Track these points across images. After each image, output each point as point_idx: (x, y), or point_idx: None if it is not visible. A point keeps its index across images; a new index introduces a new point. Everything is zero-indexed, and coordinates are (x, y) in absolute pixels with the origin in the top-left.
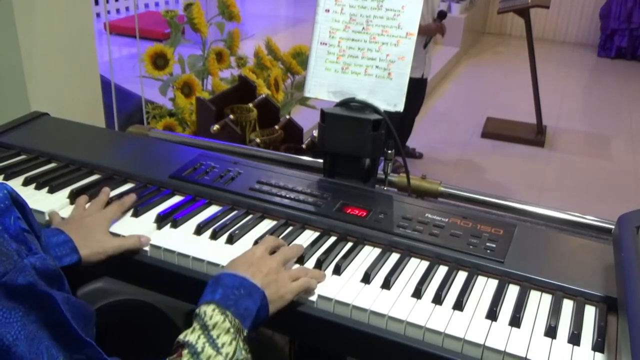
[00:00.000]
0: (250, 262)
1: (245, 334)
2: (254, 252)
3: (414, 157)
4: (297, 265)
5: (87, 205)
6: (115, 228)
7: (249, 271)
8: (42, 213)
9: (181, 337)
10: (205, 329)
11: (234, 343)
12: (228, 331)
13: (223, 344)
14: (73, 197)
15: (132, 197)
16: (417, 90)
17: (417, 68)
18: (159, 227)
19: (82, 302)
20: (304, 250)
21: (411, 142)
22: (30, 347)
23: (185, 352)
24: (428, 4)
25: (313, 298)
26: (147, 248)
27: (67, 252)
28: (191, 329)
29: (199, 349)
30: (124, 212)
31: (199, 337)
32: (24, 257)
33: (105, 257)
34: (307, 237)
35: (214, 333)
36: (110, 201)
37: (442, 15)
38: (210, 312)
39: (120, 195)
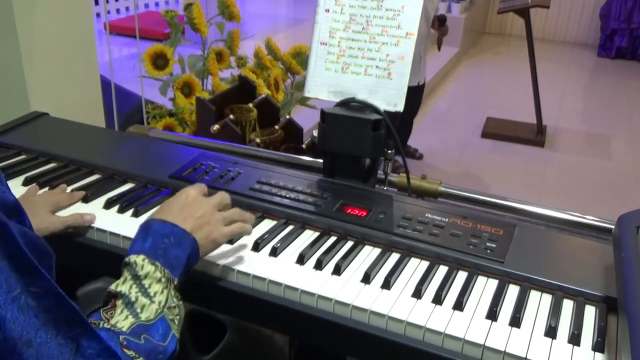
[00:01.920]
0: (183, 204)
1: (175, 282)
2: (187, 193)
3: (415, 158)
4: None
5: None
6: (115, 228)
7: (181, 215)
8: None
9: (112, 287)
10: (137, 278)
11: (165, 292)
12: (159, 280)
13: (155, 293)
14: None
15: (82, 192)
16: (415, 95)
17: (413, 75)
18: None
19: (41, 240)
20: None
21: (411, 142)
22: None
23: (119, 302)
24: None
25: (313, 298)
26: None
27: None
28: (122, 279)
29: (133, 298)
30: (72, 203)
31: (131, 286)
32: None
33: (48, 233)
34: (307, 237)
35: (146, 282)
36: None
37: (442, 20)
38: (140, 262)
39: (120, 196)
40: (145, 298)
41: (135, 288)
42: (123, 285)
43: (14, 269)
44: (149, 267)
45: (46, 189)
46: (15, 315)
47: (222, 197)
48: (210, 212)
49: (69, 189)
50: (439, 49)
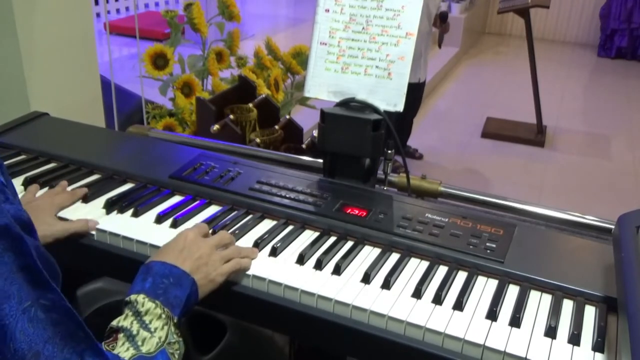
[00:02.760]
0: (182, 247)
1: (175, 320)
2: (186, 236)
3: (414, 158)
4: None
5: (38, 193)
6: (115, 228)
7: (180, 257)
8: None
9: (114, 323)
10: (138, 315)
11: (165, 328)
12: (160, 317)
13: (156, 328)
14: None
15: (84, 190)
16: (415, 93)
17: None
18: (159, 227)
19: (49, 255)
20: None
21: (411, 142)
22: (4, 286)
23: (120, 335)
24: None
25: (313, 298)
26: (147, 249)
27: None
28: (123, 316)
29: (134, 332)
30: (74, 202)
31: (132, 322)
32: (2, 203)
33: (52, 240)
34: (307, 237)
35: (147, 318)
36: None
37: (444, 16)
38: (141, 300)
39: (121, 196)
40: (146, 332)
41: (136, 324)
42: (124, 321)
43: (27, 280)
44: (149, 304)
45: (46, 188)
46: (25, 327)
47: (222, 236)
48: (209, 253)
49: (68, 188)
50: (440, 46)
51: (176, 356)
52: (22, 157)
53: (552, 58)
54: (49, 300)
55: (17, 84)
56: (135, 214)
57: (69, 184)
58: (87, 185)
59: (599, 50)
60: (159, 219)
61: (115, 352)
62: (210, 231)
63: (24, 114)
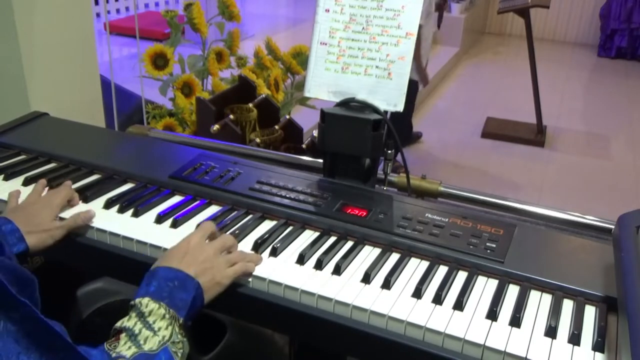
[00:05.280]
0: (185, 251)
1: (181, 321)
2: (189, 240)
3: (417, 139)
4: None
5: (44, 193)
6: (115, 228)
7: (184, 261)
8: None
9: (118, 324)
10: (141, 315)
11: (169, 328)
12: (164, 317)
13: (160, 328)
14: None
15: (92, 215)
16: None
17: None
18: (159, 227)
19: (19, 267)
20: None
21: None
22: None
23: (123, 335)
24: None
25: (313, 298)
26: (147, 249)
27: (14, 242)
28: (127, 317)
29: (137, 331)
30: (72, 197)
31: (135, 322)
32: None
33: (53, 242)
34: (307, 237)
35: (150, 319)
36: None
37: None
38: (145, 302)
39: (120, 195)
40: (149, 331)
41: (140, 324)
42: (128, 322)
43: None
44: (153, 305)
45: (44, 182)
46: None
47: (225, 240)
48: (213, 256)
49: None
50: (439, 27)
51: (179, 355)
52: (22, 157)
53: (552, 58)
54: (19, 313)
55: (17, 84)
56: (135, 214)
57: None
58: (87, 186)
59: (599, 50)
60: (159, 219)
61: (117, 350)
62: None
63: (24, 114)
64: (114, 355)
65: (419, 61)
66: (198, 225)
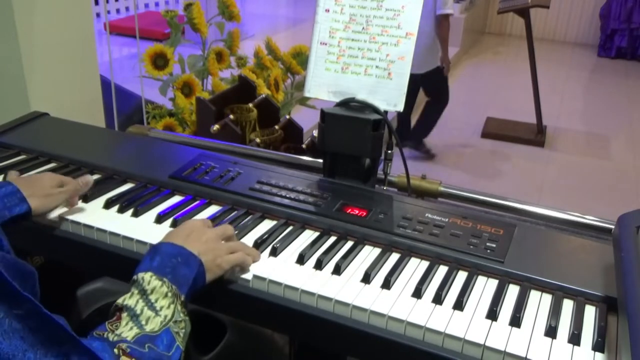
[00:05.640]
0: (190, 231)
1: (182, 299)
2: (193, 222)
3: (428, 156)
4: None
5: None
6: (115, 228)
7: (188, 240)
8: None
9: (119, 301)
10: (143, 293)
11: (172, 307)
12: (166, 295)
13: (161, 307)
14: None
15: (89, 180)
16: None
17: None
18: (159, 227)
19: (19, 260)
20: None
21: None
22: None
23: (124, 314)
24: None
25: (313, 298)
26: (147, 249)
27: (16, 202)
28: (129, 294)
29: (138, 311)
30: (78, 191)
31: (137, 301)
32: None
33: (55, 206)
34: (307, 237)
35: (152, 297)
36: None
37: None
38: (147, 277)
39: (120, 195)
40: (151, 311)
41: (141, 302)
42: (130, 300)
43: None
44: (155, 282)
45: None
46: (0, 340)
47: (226, 228)
48: (215, 239)
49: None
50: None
51: (181, 335)
52: (22, 157)
53: (552, 58)
54: (23, 310)
55: (17, 84)
56: (135, 214)
57: None
58: None
59: (599, 50)
60: (159, 219)
61: (118, 332)
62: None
63: (24, 114)
64: (115, 339)
65: (447, 49)
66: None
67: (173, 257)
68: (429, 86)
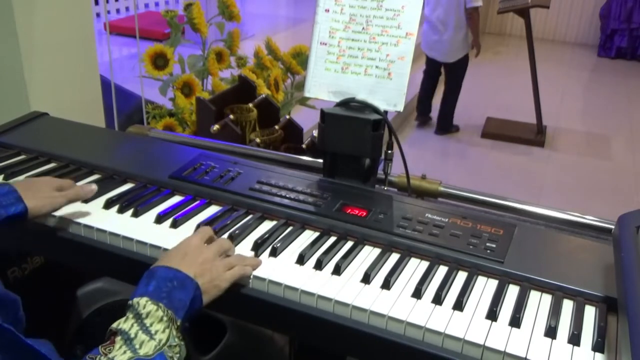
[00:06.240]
0: (185, 252)
1: (178, 323)
2: (189, 242)
3: (456, 130)
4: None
5: None
6: (115, 228)
7: (184, 262)
8: None
9: (114, 325)
10: (138, 317)
11: (167, 331)
12: (161, 319)
13: (156, 331)
14: None
15: (92, 188)
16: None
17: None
18: (159, 227)
19: (2, 290)
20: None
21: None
22: None
23: (118, 338)
24: None
25: (313, 298)
26: (147, 249)
27: (12, 202)
28: (124, 318)
29: (132, 335)
30: (79, 197)
31: (132, 325)
32: None
33: (51, 208)
34: (307, 237)
35: (147, 321)
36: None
37: None
38: (143, 302)
39: (120, 195)
40: (145, 335)
41: (136, 326)
42: (124, 324)
43: None
44: (151, 307)
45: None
46: None
47: (222, 243)
48: (212, 259)
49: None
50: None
51: (175, 359)
52: (22, 157)
53: (552, 58)
54: (4, 339)
55: (17, 84)
56: (135, 214)
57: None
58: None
59: (599, 50)
60: (159, 219)
61: (111, 355)
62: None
63: (24, 114)
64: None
65: (478, 35)
66: (196, 229)
67: (169, 281)
68: (452, 73)
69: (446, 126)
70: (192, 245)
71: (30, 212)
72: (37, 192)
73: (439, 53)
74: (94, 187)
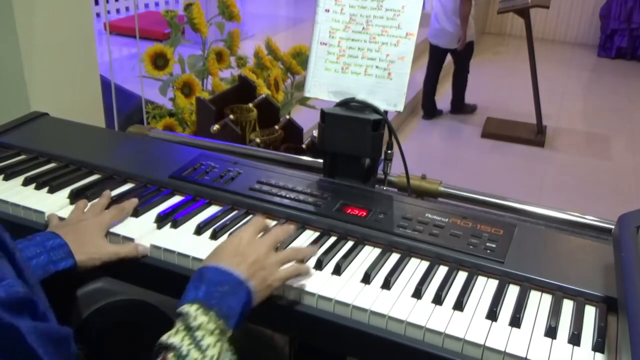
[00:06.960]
0: (237, 250)
1: (229, 334)
2: (241, 237)
3: (473, 109)
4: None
5: (86, 209)
6: (116, 228)
7: (234, 261)
8: (42, 213)
9: (164, 338)
10: (189, 329)
11: (218, 345)
12: (212, 332)
13: (208, 346)
14: (73, 197)
15: (134, 202)
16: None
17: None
18: (159, 227)
19: (52, 325)
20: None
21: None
22: None
23: (170, 355)
24: None
25: (313, 298)
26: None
27: (63, 257)
28: (174, 329)
29: (184, 352)
30: (123, 218)
31: (183, 338)
32: None
33: (101, 263)
34: (307, 237)
35: (199, 334)
36: (111, 204)
37: None
38: (193, 312)
39: (120, 196)
40: (198, 352)
41: (187, 340)
42: (175, 337)
43: None
44: (202, 318)
45: (85, 202)
46: None
47: (277, 234)
48: (265, 255)
49: (68, 189)
50: None
51: None
52: (22, 157)
53: (552, 58)
54: None
55: (17, 84)
56: (135, 214)
57: (69, 184)
58: (87, 186)
59: (599, 50)
60: (159, 219)
61: None
62: (211, 230)
63: (24, 114)
64: None
65: (465, 27)
66: (250, 219)
67: (219, 285)
68: (458, 56)
69: (459, 106)
70: (245, 240)
71: (79, 267)
72: (85, 245)
73: (444, 40)
74: (148, 248)
